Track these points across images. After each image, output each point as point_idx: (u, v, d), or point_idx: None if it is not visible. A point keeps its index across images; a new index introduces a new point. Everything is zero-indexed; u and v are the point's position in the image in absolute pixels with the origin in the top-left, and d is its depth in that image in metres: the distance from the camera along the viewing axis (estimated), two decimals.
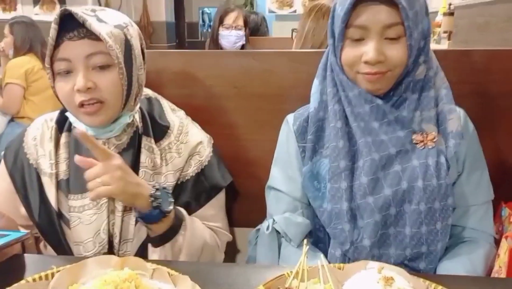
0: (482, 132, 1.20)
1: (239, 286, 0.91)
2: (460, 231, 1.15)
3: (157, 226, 1.09)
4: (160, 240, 1.11)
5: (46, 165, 1.15)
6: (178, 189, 1.20)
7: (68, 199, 1.13)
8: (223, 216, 1.31)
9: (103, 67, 1.07)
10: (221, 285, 0.91)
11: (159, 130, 1.20)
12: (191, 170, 1.22)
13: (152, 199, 1.06)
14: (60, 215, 1.13)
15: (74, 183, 1.14)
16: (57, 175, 1.14)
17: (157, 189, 1.07)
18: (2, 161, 1.19)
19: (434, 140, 1.11)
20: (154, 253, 1.12)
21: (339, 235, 1.10)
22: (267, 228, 1.19)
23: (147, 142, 1.17)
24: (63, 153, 1.16)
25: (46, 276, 0.85)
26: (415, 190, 1.08)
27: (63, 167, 1.15)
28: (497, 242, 1.15)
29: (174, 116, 1.26)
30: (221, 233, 1.27)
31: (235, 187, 1.37)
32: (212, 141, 1.30)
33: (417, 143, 1.11)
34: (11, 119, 3.27)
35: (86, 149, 1.12)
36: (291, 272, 0.86)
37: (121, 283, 0.78)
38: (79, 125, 1.13)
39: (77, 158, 1.02)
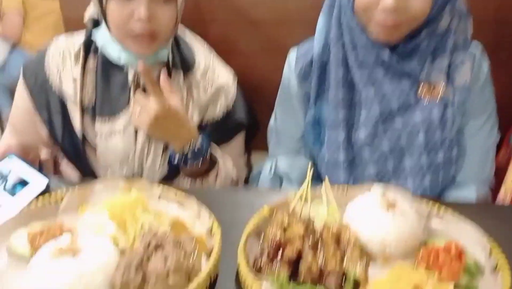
0: (496, 58, 1.14)
1: (244, 208, 0.93)
2: (456, 173, 1.13)
3: (189, 169, 1.10)
4: (191, 176, 1.12)
5: (71, 90, 1.12)
6: (202, 129, 1.19)
7: (94, 124, 1.13)
8: (243, 153, 1.31)
9: (165, 1, 1.04)
10: (226, 206, 0.93)
11: (185, 62, 1.17)
12: (217, 113, 1.20)
13: (187, 149, 1.06)
14: (85, 141, 1.13)
15: (100, 107, 1.12)
16: (82, 100, 1.12)
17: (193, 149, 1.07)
18: (21, 80, 1.16)
19: (442, 92, 1.05)
20: (184, 180, 1.13)
21: (334, 183, 1.11)
22: (270, 170, 1.19)
23: (176, 75, 1.15)
24: (89, 77, 1.13)
25: (56, 200, 0.87)
26: (415, 145, 1.06)
27: (89, 92, 1.13)
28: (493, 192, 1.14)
29: (199, 46, 1.23)
30: (242, 171, 1.29)
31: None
32: (236, 79, 1.26)
33: (423, 96, 1.06)
34: (13, 47, 3.20)
35: (113, 74, 1.11)
36: (295, 194, 0.87)
37: (129, 205, 0.80)
38: (111, 49, 1.10)
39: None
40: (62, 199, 0.87)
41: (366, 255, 0.73)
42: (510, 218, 0.90)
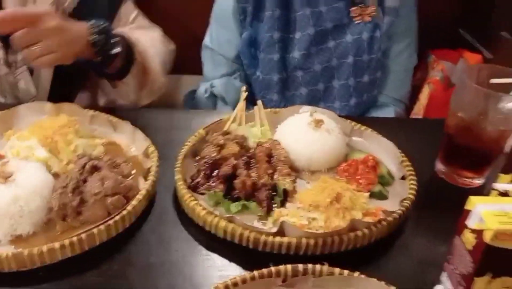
0: None
1: (179, 129, 0.94)
2: (378, 94, 1.22)
3: (113, 65, 0.96)
4: (120, 74, 1.00)
5: None
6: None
7: None
8: (143, 17, 1.18)
9: None
10: (162, 128, 0.93)
11: None
12: (67, 1, 1.03)
13: (96, 47, 0.90)
14: None
15: None
16: None
17: (95, 33, 0.89)
18: None
19: (372, 14, 1.10)
20: (116, 91, 1.03)
21: (267, 104, 1.12)
22: (205, 92, 1.18)
23: None
24: None
25: None
26: (345, 66, 1.12)
27: None
28: (408, 109, 1.24)
29: None
30: (158, 30, 1.19)
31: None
32: None
33: (354, 17, 1.11)
34: None
35: None
36: (230, 116, 0.90)
37: (59, 129, 0.78)
38: None
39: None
40: None
41: (294, 170, 0.79)
42: (421, 130, 1.01)
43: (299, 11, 1.10)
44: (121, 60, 0.97)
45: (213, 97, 1.21)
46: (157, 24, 1.27)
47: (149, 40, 1.10)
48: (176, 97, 1.45)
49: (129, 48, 0.98)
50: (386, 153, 0.82)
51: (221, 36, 1.19)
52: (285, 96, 1.16)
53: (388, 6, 1.13)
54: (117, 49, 0.93)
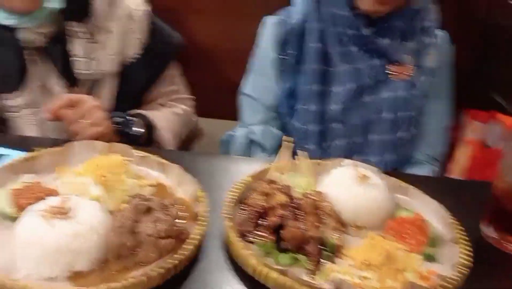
0: (458, 42, 1.23)
1: (220, 175, 0.96)
2: (413, 151, 1.22)
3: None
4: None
5: None
6: (125, 74, 1.16)
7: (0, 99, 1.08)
8: (181, 81, 1.31)
9: None
10: (204, 172, 0.95)
11: (78, 8, 1.09)
12: (132, 52, 1.16)
13: (116, 127, 1.06)
14: None
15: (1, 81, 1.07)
16: None
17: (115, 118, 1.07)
18: None
19: (409, 73, 1.14)
20: None
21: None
22: (244, 137, 1.22)
23: (71, 27, 1.08)
24: None
25: (32, 158, 0.85)
26: (381, 121, 1.14)
27: None
28: (443, 168, 1.25)
29: None
30: (188, 102, 1.31)
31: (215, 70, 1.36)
32: (149, 7, 1.19)
33: (391, 75, 1.14)
34: None
35: (7, 43, 1.04)
36: (273, 164, 0.91)
37: (113, 168, 0.80)
38: None
39: (47, 113, 0.97)
40: (36, 159, 0.85)
41: (340, 224, 0.79)
42: (463, 191, 1.00)
43: (338, 66, 1.13)
44: (143, 139, 1.12)
45: (251, 143, 1.23)
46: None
47: (172, 120, 1.24)
48: (210, 141, 1.48)
49: (150, 130, 1.14)
50: (432, 213, 0.82)
51: (260, 84, 1.23)
52: (321, 147, 1.17)
53: (425, 66, 1.16)
54: (137, 130, 1.10)
